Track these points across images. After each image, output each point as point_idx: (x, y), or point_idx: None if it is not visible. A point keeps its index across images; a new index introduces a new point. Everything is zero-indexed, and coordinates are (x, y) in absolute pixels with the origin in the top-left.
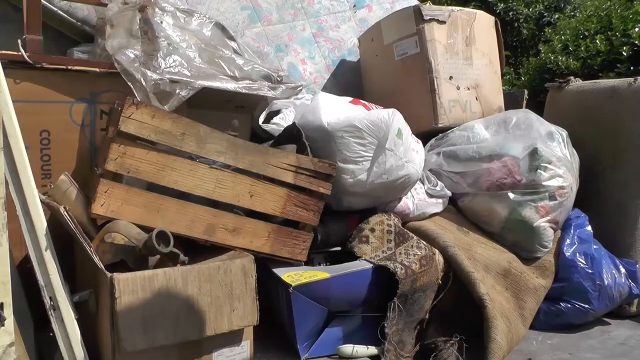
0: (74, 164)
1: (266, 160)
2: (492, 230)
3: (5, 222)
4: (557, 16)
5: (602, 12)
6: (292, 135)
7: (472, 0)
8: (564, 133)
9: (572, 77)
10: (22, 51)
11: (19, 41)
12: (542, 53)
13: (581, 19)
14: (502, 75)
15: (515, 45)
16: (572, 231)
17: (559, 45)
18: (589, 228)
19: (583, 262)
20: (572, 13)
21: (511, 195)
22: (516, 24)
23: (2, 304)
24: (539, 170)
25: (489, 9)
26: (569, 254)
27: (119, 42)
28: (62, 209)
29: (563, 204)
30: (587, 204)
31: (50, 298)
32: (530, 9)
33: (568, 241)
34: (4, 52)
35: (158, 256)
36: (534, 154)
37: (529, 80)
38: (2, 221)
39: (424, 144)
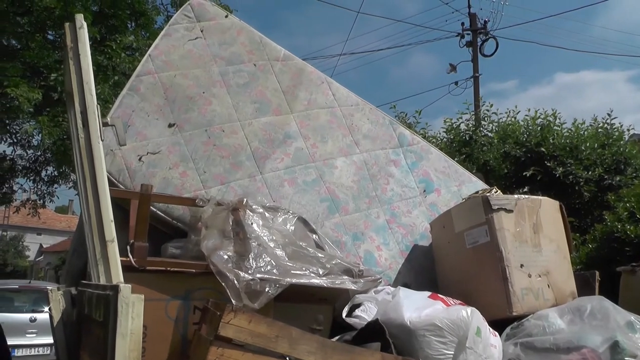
0: (166, 355)
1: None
2: None
3: None
4: (618, 178)
5: None
6: (375, 331)
7: (531, 165)
8: None
9: None
10: (130, 256)
11: (128, 247)
12: (607, 221)
13: None
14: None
15: (577, 208)
16: None
17: (625, 213)
18: None
19: None
20: (634, 174)
21: None
22: (577, 187)
23: None
24: None
25: (548, 173)
26: None
27: (213, 243)
28: None
29: None
30: None
31: None
32: (590, 172)
33: None
34: None
35: None
36: (615, 347)
37: (597, 249)
38: None
39: (499, 332)
